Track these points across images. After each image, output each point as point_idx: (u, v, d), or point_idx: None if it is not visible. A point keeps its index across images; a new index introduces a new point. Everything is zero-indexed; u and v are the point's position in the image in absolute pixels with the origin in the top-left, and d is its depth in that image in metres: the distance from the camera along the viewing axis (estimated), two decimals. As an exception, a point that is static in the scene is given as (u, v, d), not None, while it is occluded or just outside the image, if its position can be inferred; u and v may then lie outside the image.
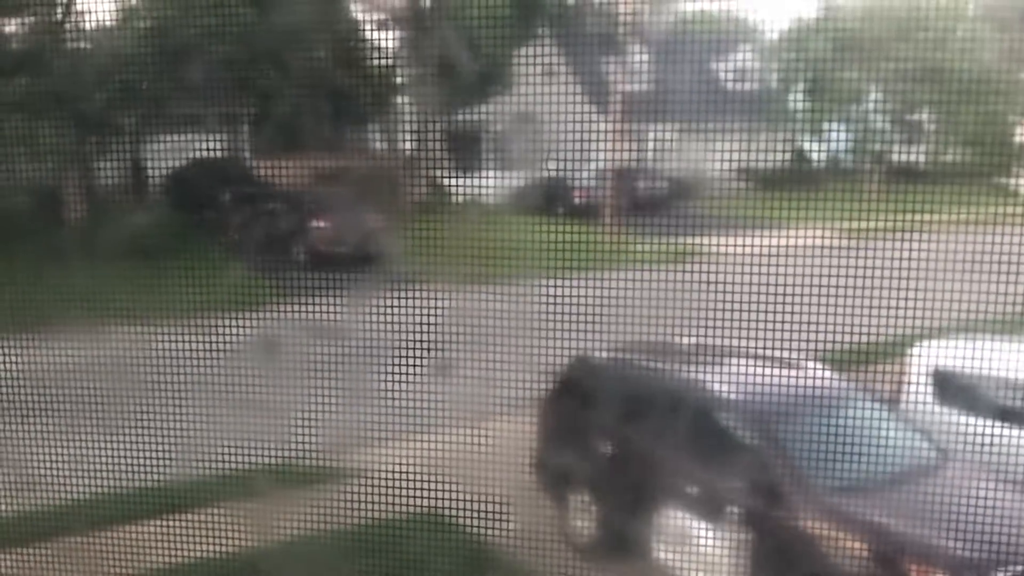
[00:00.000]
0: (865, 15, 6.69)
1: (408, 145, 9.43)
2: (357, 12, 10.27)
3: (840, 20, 6.81)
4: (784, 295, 4.37)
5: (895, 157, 9.23)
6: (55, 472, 5.34)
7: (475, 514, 5.32)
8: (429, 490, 5.07)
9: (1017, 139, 7.10)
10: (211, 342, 5.22)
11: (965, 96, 5.73)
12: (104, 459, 5.25)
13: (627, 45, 7.39)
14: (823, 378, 6.63)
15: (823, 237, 5.32)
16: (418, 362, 4.82)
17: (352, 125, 9.98)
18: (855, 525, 5.97)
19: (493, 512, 5.31)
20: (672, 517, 6.60)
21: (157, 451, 5.24)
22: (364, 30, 10.05)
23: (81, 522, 5.60)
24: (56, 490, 5.42)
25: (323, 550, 5.76)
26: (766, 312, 4.58)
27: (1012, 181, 7.03)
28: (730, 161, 5.27)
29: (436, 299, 5.04)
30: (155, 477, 5.47)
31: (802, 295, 4.33)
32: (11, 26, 8.51)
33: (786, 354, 6.21)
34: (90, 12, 7.32)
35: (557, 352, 5.44)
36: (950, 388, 6.58)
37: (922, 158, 8.59)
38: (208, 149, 8.41)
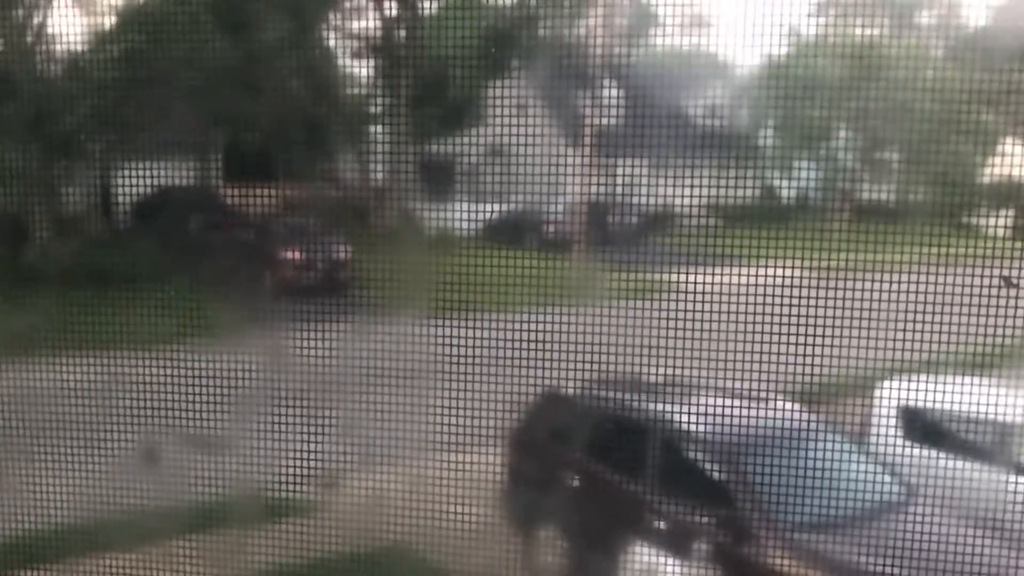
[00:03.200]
0: (834, 55, 6.78)
1: (380, 175, 9.42)
2: (331, 41, 10.30)
3: (809, 59, 6.90)
4: (752, 330, 4.38)
5: (862, 195, 9.34)
6: (9, 502, 5.24)
7: (441, 548, 5.26)
8: (395, 524, 5.01)
9: (982, 179, 7.21)
10: (175, 371, 5.16)
11: (932, 135, 5.81)
12: (60, 489, 5.15)
13: (599, 80, 7.44)
14: (790, 414, 6.64)
15: (791, 273, 5.35)
16: (385, 394, 4.78)
17: (324, 154, 9.96)
18: (821, 562, 5.96)
19: (460, 546, 5.26)
20: (639, 552, 6.56)
21: (117, 482, 5.15)
22: (338, 60, 10.07)
23: (36, 555, 5.48)
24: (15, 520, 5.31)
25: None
26: (735, 347, 4.58)
27: (977, 220, 7.13)
28: (700, 196, 5.30)
29: (405, 330, 5.02)
30: (118, 509, 5.37)
31: (770, 331, 4.34)
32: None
33: (754, 389, 6.22)
34: (60, 37, 7.28)
35: (526, 386, 5.41)
36: (917, 425, 6.61)
37: (889, 196, 8.69)
38: (177, 177, 8.35)
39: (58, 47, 7.47)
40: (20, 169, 6.55)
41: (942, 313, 4.19)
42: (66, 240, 9.12)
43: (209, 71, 6.58)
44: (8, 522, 5.28)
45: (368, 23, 9.85)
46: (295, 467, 5.15)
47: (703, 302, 4.61)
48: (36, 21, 8.31)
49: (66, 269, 8.31)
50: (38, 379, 5.66)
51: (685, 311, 4.54)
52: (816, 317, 4.28)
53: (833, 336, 4.31)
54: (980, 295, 4.16)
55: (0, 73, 7.54)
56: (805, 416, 6.75)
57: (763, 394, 6.34)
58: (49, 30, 7.85)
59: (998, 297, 4.15)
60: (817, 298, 4.33)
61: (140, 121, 7.15)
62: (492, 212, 8.65)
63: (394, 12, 9.11)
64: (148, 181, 7.23)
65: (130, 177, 7.72)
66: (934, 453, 6.25)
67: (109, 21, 7.57)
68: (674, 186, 5.85)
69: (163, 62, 6.40)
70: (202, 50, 5.28)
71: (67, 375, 5.42)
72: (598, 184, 8.80)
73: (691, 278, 5.13)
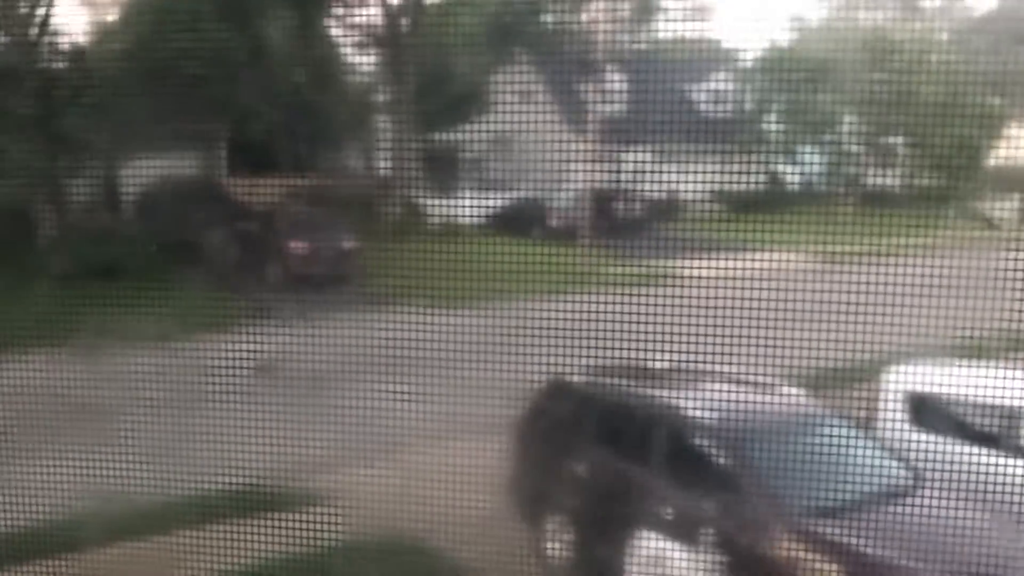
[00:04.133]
0: (839, 41, 6.76)
1: (385, 166, 9.42)
2: (336, 33, 10.29)
3: (815, 46, 6.88)
4: (759, 318, 4.38)
5: (869, 182, 9.32)
6: (14, 494, 5.26)
7: (448, 537, 5.28)
8: (401, 513, 5.02)
9: (988, 164, 7.19)
10: (182, 362, 5.17)
11: (938, 122, 5.79)
12: (61, 480, 5.16)
13: (604, 69, 7.43)
14: (797, 401, 6.63)
15: (798, 260, 5.35)
16: (390, 383, 4.79)
17: (329, 146, 9.96)
18: (829, 548, 5.96)
19: (466, 535, 5.27)
20: (646, 540, 6.57)
21: (122, 473, 5.16)
22: (343, 51, 10.06)
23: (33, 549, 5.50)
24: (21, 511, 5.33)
25: None
26: (741, 335, 4.58)
27: (983, 205, 7.11)
28: (706, 184, 5.29)
29: (410, 320, 5.02)
30: (122, 498, 5.39)
31: (777, 318, 4.34)
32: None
33: (761, 377, 6.22)
34: (66, 32, 7.28)
35: (532, 373, 5.42)
36: (923, 411, 6.60)
37: (895, 183, 8.67)
38: (183, 169, 8.36)
39: (63, 40, 7.49)
40: (26, 163, 6.57)
41: (949, 300, 4.18)
42: (72, 234, 9.14)
43: (213, 63, 6.58)
44: (22, 513, 5.31)
45: (372, 13, 9.84)
46: (302, 456, 5.17)
47: (709, 290, 4.61)
48: (41, 14, 8.32)
49: (72, 263, 8.32)
50: (44, 373, 5.68)
51: (691, 299, 4.54)
52: (823, 304, 4.28)
53: (840, 323, 4.30)
54: (986, 281, 4.15)
55: (6, 67, 7.55)
56: (812, 403, 6.74)
57: (770, 381, 6.34)
58: (54, 23, 7.86)
59: (1005, 283, 4.14)
60: (823, 285, 4.33)
61: (146, 114, 7.16)
62: (497, 202, 8.65)
63: (398, 2, 9.09)
64: (153, 174, 7.26)
65: (135, 170, 7.75)
66: (941, 439, 6.25)
67: (113, 14, 7.58)
68: (680, 174, 5.85)
69: (168, 54, 6.40)
70: (206, 42, 5.27)
71: (74, 368, 5.44)
72: (604, 173, 8.79)
73: (697, 266, 5.13)
